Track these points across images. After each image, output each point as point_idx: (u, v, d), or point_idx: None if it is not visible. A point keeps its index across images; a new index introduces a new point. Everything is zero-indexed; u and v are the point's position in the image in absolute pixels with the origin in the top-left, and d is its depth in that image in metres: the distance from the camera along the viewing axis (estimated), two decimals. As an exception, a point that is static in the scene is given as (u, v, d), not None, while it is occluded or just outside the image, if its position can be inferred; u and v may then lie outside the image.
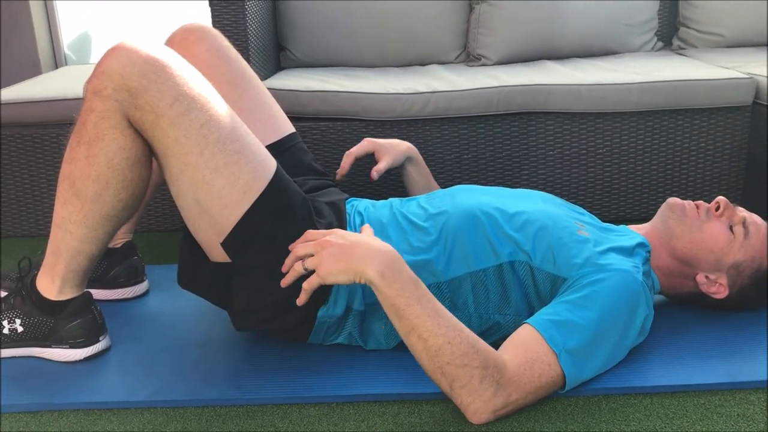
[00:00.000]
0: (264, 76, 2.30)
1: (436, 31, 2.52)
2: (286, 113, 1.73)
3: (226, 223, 1.34)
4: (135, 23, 3.04)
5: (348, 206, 1.56)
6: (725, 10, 2.55)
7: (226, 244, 1.36)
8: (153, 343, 1.53)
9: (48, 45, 2.96)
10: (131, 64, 1.25)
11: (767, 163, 2.06)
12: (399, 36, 2.50)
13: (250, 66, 1.75)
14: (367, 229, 1.33)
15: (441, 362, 1.19)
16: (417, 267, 1.37)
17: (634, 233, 1.51)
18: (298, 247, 1.28)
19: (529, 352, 1.24)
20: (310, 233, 1.31)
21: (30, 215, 2.21)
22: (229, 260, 1.38)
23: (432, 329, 1.18)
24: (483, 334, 1.40)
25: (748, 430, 1.22)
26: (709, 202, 1.52)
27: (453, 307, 1.40)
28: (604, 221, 1.57)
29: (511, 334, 1.33)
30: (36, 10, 2.87)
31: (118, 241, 1.73)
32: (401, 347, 1.46)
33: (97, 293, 1.69)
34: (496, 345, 1.27)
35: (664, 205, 1.53)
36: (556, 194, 2.18)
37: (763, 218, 1.52)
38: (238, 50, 1.68)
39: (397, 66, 2.52)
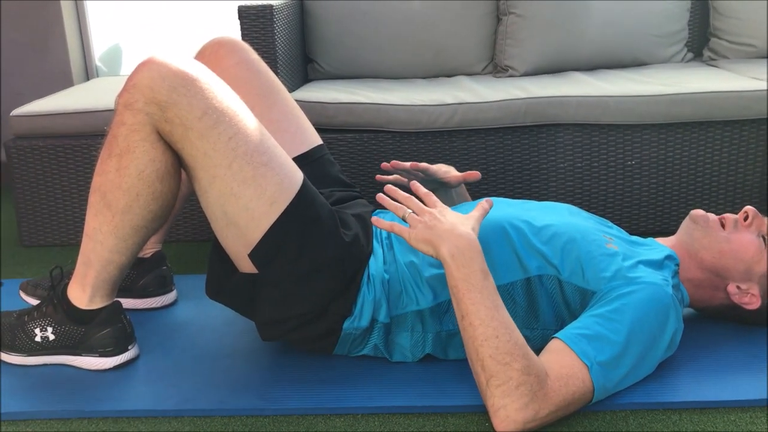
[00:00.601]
0: (292, 88, 2.32)
1: (463, 42, 2.52)
2: (314, 125, 1.74)
3: (254, 235, 1.35)
4: (166, 36, 3.08)
5: (374, 218, 1.56)
6: (757, 20, 2.52)
7: (254, 255, 1.37)
8: (181, 353, 1.55)
9: (80, 57, 3.01)
10: (161, 78, 1.27)
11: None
12: (426, 48, 2.51)
13: (279, 78, 1.77)
14: (482, 205, 1.35)
15: (484, 354, 1.21)
16: (444, 280, 1.37)
17: (663, 246, 1.50)
18: (410, 200, 1.33)
19: (564, 368, 1.24)
20: (412, 200, 1.35)
21: (62, 224, 2.24)
22: (256, 271, 1.39)
23: (484, 319, 1.22)
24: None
25: (780, 448, 1.20)
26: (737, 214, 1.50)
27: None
28: (632, 234, 1.56)
29: (537, 348, 1.33)
30: (69, 22, 2.92)
31: (148, 251, 1.76)
32: (426, 360, 1.46)
33: (127, 302, 1.71)
34: (522, 359, 1.26)
35: (687, 217, 1.52)
36: (583, 207, 2.16)
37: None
38: (266, 63, 1.70)
39: (424, 78, 2.53)
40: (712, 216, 1.49)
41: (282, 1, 2.28)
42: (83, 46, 3.03)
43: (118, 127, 1.31)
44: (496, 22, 2.55)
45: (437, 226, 1.29)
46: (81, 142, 2.18)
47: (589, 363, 1.24)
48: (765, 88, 2.09)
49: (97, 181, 1.35)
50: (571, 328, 1.29)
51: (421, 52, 2.51)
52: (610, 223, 1.56)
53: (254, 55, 1.66)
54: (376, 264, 1.43)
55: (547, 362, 1.25)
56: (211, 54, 1.63)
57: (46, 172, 2.20)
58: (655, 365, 1.36)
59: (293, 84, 2.37)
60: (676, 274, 1.46)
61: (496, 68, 2.55)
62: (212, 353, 1.54)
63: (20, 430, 1.31)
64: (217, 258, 1.44)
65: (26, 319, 1.49)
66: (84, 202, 1.38)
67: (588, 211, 2.12)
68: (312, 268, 1.38)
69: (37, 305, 1.51)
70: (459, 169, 2.13)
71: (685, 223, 1.52)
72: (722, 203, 2.18)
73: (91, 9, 3.02)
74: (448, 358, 1.45)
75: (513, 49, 2.48)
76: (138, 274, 1.74)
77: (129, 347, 1.50)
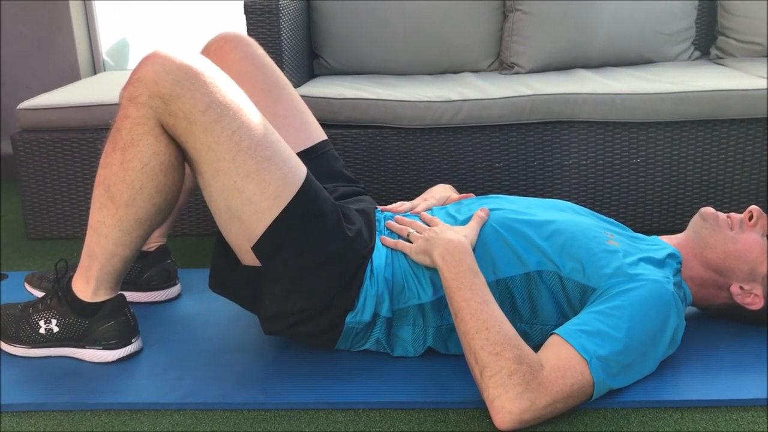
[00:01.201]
0: (297, 84, 2.33)
1: (469, 39, 2.51)
2: (318, 120, 1.75)
3: (257, 229, 1.36)
4: (172, 31, 3.09)
5: (378, 214, 1.57)
6: (765, 18, 2.51)
7: (257, 249, 1.37)
8: (184, 346, 1.55)
9: (87, 51, 3.02)
10: (165, 71, 1.27)
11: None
12: (432, 44, 2.50)
13: (284, 73, 1.77)
14: (478, 215, 1.45)
15: (475, 346, 1.23)
16: (444, 275, 1.38)
17: (665, 244, 1.50)
18: (414, 223, 1.48)
19: (561, 360, 1.24)
20: (409, 222, 1.49)
21: (67, 217, 2.25)
22: (259, 265, 1.40)
23: (474, 313, 1.26)
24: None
25: (782, 447, 1.20)
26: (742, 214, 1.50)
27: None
28: (637, 232, 1.56)
29: (537, 344, 1.33)
30: (76, 16, 2.93)
31: (152, 244, 1.76)
32: (428, 355, 1.46)
33: (131, 296, 1.72)
34: (523, 355, 1.26)
35: (696, 214, 1.51)
36: (588, 204, 2.16)
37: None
38: (272, 58, 1.70)
39: (430, 74, 2.53)
40: (722, 215, 1.49)
41: (288, -3, 2.28)
42: (91, 41, 3.04)
43: (122, 120, 1.31)
44: (502, 19, 2.54)
45: (433, 238, 1.38)
46: (87, 136, 2.19)
47: (588, 357, 1.24)
48: (772, 86, 2.08)
49: (101, 174, 1.36)
50: (571, 324, 1.29)
51: (427, 48, 2.51)
52: (613, 221, 1.56)
53: (260, 50, 1.67)
54: (378, 258, 1.44)
55: (545, 356, 1.25)
56: (217, 49, 1.63)
57: (52, 166, 2.21)
58: (656, 363, 1.36)
59: (299, 79, 2.37)
60: (678, 272, 1.45)
61: (502, 65, 2.55)
62: (215, 347, 1.55)
63: (23, 421, 1.32)
64: (220, 251, 1.45)
65: (31, 311, 1.50)
66: (90, 195, 1.39)
67: (593, 208, 2.12)
68: (315, 262, 1.38)
69: (42, 297, 1.51)
70: (465, 166, 2.14)
71: (695, 221, 1.52)
72: (728, 201, 2.17)
73: (98, 4, 3.03)
74: (448, 352, 1.46)
75: (519, 46, 2.47)
76: (142, 268, 1.74)
77: (132, 340, 1.50)
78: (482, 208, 1.47)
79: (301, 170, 1.40)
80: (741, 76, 2.23)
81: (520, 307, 1.41)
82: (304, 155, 1.59)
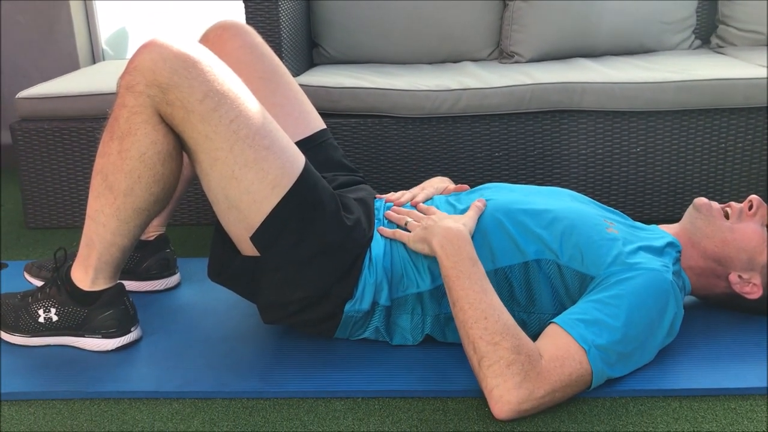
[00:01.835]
0: (296, 73, 2.32)
1: (469, 28, 2.50)
2: (318, 109, 1.74)
3: (255, 218, 1.36)
4: (171, 19, 3.08)
5: (377, 203, 1.57)
6: (765, 7, 2.49)
7: (255, 238, 1.37)
8: (183, 335, 1.55)
9: (86, 40, 3.01)
10: (162, 60, 1.26)
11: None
12: (432, 33, 2.49)
13: (283, 62, 1.76)
14: (476, 205, 1.44)
15: (474, 336, 1.23)
16: (443, 264, 1.38)
17: (665, 233, 1.49)
18: (411, 213, 1.47)
19: (559, 349, 1.24)
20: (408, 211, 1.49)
21: (66, 207, 2.25)
22: (258, 254, 1.40)
23: (473, 303, 1.26)
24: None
25: (779, 436, 1.20)
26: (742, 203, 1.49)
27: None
28: (636, 221, 1.56)
29: (535, 332, 1.33)
30: (75, 5, 2.92)
31: (151, 233, 1.76)
32: (427, 344, 1.46)
33: (130, 285, 1.72)
34: (521, 344, 1.26)
35: (690, 205, 1.51)
36: (588, 193, 2.16)
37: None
38: (271, 47, 1.69)
39: (430, 63, 2.52)
40: (715, 204, 1.48)
41: (287, -15, 2.27)
42: (90, 30, 3.03)
43: (119, 109, 1.31)
44: (502, 8, 2.53)
45: (431, 227, 1.38)
46: (86, 125, 2.19)
47: (586, 346, 1.24)
48: (773, 75, 2.08)
49: (99, 163, 1.35)
50: (569, 314, 1.29)
51: (427, 37, 2.50)
52: (612, 209, 1.56)
53: (258, 39, 1.66)
54: (377, 247, 1.44)
55: (543, 345, 1.25)
56: (215, 37, 1.63)
57: (51, 155, 2.21)
58: (655, 352, 1.36)
59: (298, 68, 2.36)
60: (677, 261, 1.45)
61: (502, 54, 2.54)
62: (214, 336, 1.55)
63: (23, 410, 1.33)
64: (219, 241, 1.45)
65: (30, 300, 1.50)
66: (89, 184, 1.39)
67: (592, 197, 2.12)
68: (313, 251, 1.38)
69: (41, 286, 1.52)
70: (465, 155, 2.14)
71: (689, 212, 1.51)
72: (728, 191, 2.17)
73: (97, -8, 3.02)
74: (446, 340, 1.46)
75: (519, 35, 2.46)
76: (141, 257, 1.74)
77: (131, 329, 1.50)
78: (480, 198, 1.46)
79: (300, 159, 1.40)
80: (741, 64, 2.23)
81: (518, 295, 1.41)
82: (302, 144, 1.58)
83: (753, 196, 1.47)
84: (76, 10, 2.93)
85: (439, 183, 1.68)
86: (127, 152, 1.31)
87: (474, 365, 1.24)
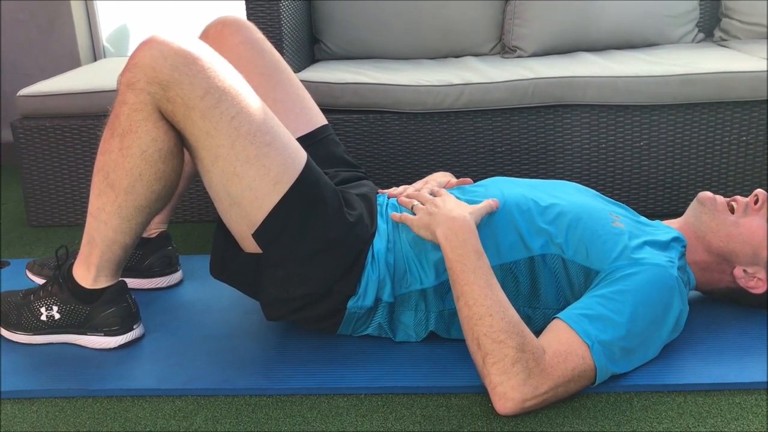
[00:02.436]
0: (298, 69, 2.31)
1: (471, 22, 2.50)
2: (319, 105, 1.73)
3: (257, 215, 1.35)
4: (172, 16, 3.07)
5: (380, 198, 1.56)
6: (769, 0, 2.49)
7: (257, 235, 1.37)
8: (185, 332, 1.55)
9: (87, 37, 3.01)
10: (163, 57, 1.26)
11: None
12: (433, 28, 2.49)
13: (284, 58, 1.76)
14: (489, 202, 1.40)
15: (478, 332, 1.22)
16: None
17: (670, 228, 1.49)
18: (419, 195, 1.43)
19: (563, 345, 1.23)
20: (415, 194, 1.45)
21: (68, 204, 2.25)
22: (260, 251, 1.39)
23: (477, 298, 1.24)
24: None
25: (785, 431, 1.19)
26: (748, 196, 1.49)
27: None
28: (641, 216, 1.55)
29: (539, 327, 1.32)
30: (76, 3, 2.92)
31: (153, 231, 1.76)
32: (430, 340, 1.46)
33: (132, 282, 1.72)
34: (525, 339, 1.26)
35: (694, 200, 1.50)
36: (591, 188, 2.15)
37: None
38: (272, 43, 1.68)
39: (432, 58, 2.51)
40: (720, 198, 1.47)
41: (288, -19, 2.27)
42: (90, 27, 3.03)
43: (120, 106, 1.30)
44: (504, 3, 2.52)
45: (436, 213, 1.35)
46: (88, 123, 2.18)
47: (590, 342, 1.23)
48: (776, 68, 2.06)
49: (100, 160, 1.35)
50: (573, 308, 1.29)
51: (429, 32, 2.49)
52: (618, 203, 1.55)
53: (258, 35, 1.65)
54: (380, 243, 1.43)
55: (547, 340, 1.25)
56: (216, 33, 1.62)
57: (53, 153, 2.20)
58: (660, 348, 1.35)
59: (299, 64, 2.36)
60: (682, 255, 1.44)
61: (504, 49, 2.53)
62: (217, 333, 1.55)
63: (25, 408, 1.32)
64: (221, 237, 1.44)
65: (32, 298, 1.50)
66: (90, 182, 1.38)
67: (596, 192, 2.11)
68: (316, 248, 1.38)
69: (43, 284, 1.51)
70: (467, 150, 2.13)
71: (693, 205, 1.51)
72: (732, 184, 2.16)
73: (98, -11, 3.02)
74: (450, 336, 1.45)
75: (521, 29, 2.45)
76: (143, 254, 1.74)
77: (134, 326, 1.50)
78: (494, 199, 1.43)
79: (301, 156, 1.39)
80: (745, 58, 2.21)
81: (523, 290, 1.40)
82: (304, 140, 1.58)
83: (759, 190, 1.46)
84: (76, 7, 2.92)
85: (441, 178, 1.68)
86: (128, 150, 1.31)
87: (478, 361, 1.24)
